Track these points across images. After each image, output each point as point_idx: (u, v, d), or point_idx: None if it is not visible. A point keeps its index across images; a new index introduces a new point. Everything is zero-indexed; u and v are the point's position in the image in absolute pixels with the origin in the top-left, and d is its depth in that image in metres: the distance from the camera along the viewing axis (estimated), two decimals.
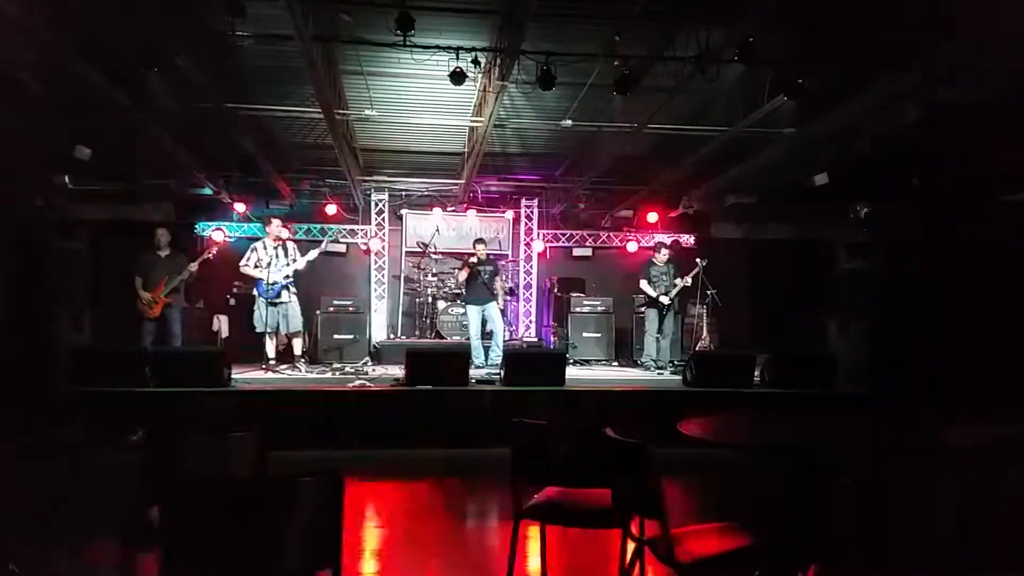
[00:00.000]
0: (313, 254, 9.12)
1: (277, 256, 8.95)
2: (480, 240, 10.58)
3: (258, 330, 8.91)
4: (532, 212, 13.21)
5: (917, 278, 8.28)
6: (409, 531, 4.85)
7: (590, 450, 3.10)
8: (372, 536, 4.67)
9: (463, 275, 9.98)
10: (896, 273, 8.57)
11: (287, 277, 8.95)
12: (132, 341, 8.60)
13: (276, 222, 9.23)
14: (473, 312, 9.99)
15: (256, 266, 8.91)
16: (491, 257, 10.62)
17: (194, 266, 9.00)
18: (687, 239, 13.24)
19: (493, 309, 9.92)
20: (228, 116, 8.45)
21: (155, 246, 9.03)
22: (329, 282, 11.56)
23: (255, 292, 8.95)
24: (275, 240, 9.04)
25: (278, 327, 9.01)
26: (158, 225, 9.38)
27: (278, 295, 8.89)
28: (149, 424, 2.97)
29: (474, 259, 10.10)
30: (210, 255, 9.16)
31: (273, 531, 2.18)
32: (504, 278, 11.37)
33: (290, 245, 9.18)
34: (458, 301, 11.28)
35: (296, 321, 9.08)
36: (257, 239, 9.48)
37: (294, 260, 9.01)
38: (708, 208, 12.41)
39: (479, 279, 9.77)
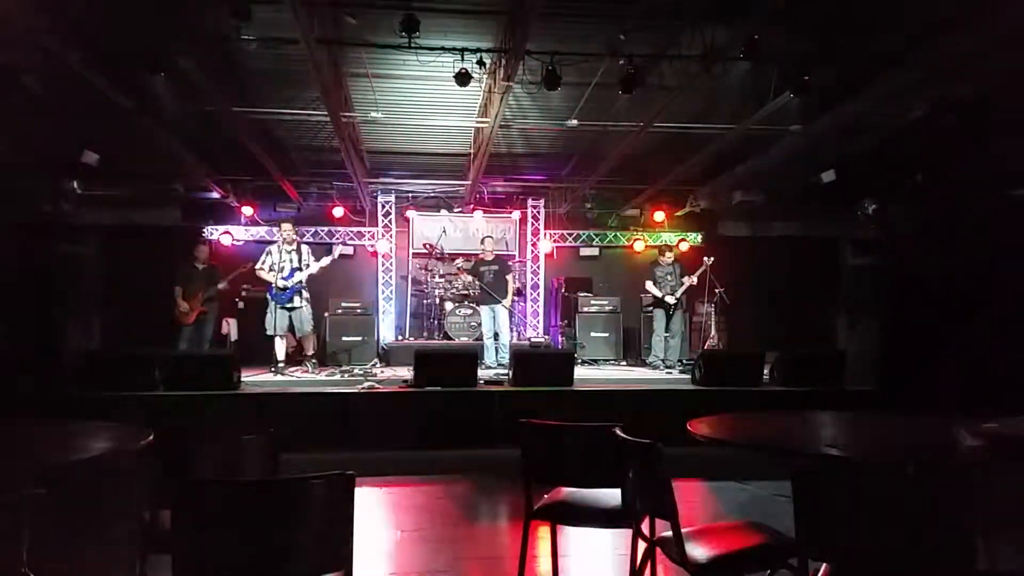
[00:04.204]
0: (326, 261, 8.98)
1: (290, 260, 8.85)
2: (488, 237, 10.51)
3: (268, 333, 8.83)
4: (539, 212, 13.19)
5: (924, 274, 8.23)
6: (420, 532, 4.86)
7: (599, 450, 3.10)
8: (383, 537, 4.67)
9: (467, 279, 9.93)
10: (903, 269, 8.53)
11: (299, 283, 8.87)
12: (152, 345, 8.78)
13: (287, 226, 9.17)
14: (483, 312, 10.08)
15: (270, 269, 8.84)
16: (499, 256, 10.54)
17: (227, 280, 9.73)
18: (694, 236, 13.20)
19: (498, 311, 9.80)
20: (234, 120, 8.48)
21: (194, 259, 9.84)
22: (337, 284, 11.57)
23: (268, 295, 8.89)
24: (289, 244, 8.96)
25: (289, 330, 9.01)
26: (199, 241, 10.22)
27: (290, 300, 8.84)
28: (159, 428, 2.98)
29: (470, 262, 10.03)
30: (245, 268, 9.58)
31: (284, 533, 2.19)
32: (514, 277, 11.27)
33: (304, 249, 9.08)
34: (466, 303, 11.26)
35: (307, 324, 9.05)
36: (265, 243, 9.53)
37: (307, 265, 8.91)
38: (715, 206, 12.39)
39: (483, 280, 9.72)
